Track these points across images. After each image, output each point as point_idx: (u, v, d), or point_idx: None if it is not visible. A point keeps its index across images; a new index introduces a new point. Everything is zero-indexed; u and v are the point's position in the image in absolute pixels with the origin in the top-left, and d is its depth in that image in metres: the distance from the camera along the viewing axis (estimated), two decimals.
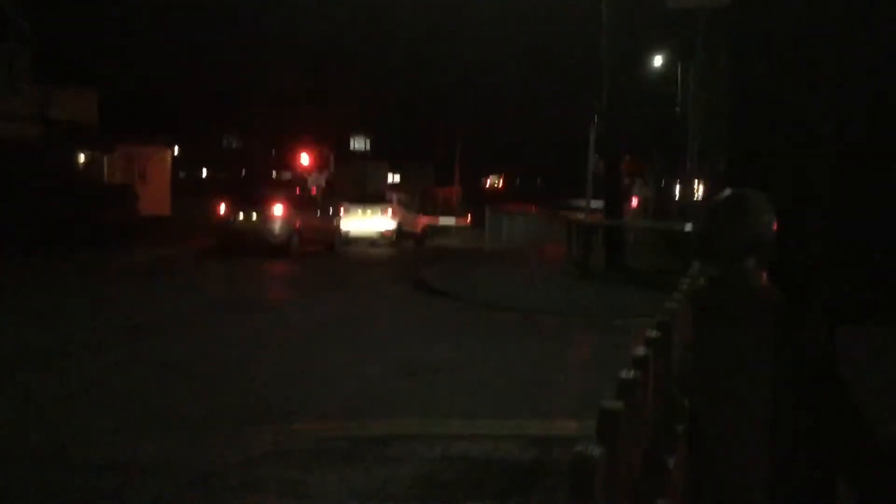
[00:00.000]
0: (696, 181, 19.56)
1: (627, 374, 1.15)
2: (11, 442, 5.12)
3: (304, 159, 35.50)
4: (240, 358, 7.97)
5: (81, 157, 21.46)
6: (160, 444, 5.18)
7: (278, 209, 19.91)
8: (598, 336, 10.16)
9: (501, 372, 7.76)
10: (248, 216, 19.80)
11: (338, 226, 23.56)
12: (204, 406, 6.05)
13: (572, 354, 9.07)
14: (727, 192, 1.92)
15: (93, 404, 6.01)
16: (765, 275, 1.87)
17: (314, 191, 28.46)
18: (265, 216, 19.73)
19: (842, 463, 2.30)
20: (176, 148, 35.76)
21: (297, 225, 20.28)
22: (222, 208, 20.21)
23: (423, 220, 31.04)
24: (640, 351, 1.31)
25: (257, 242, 19.42)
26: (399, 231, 27.31)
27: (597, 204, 22.38)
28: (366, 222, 25.75)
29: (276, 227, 19.69)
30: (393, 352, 8.50)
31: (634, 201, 42.43)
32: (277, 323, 10.53)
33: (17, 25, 25.79)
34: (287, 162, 46.04)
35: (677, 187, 31.52)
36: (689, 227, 16.02)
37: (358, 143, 63.48)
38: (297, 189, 26.14)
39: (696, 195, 20.20)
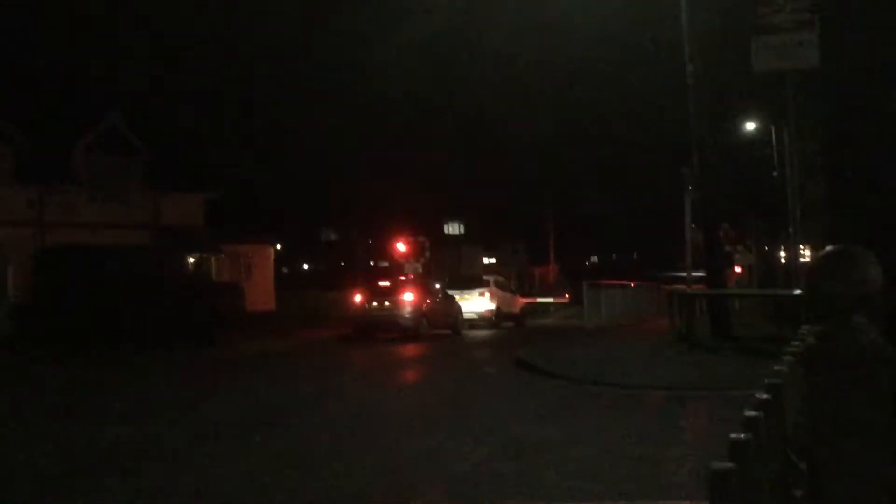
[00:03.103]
0: (802, 245, 18.93)
1: (738, 435, 1.13)
2: None
3: (401, 247, 36.29)
4: (348, 443, 8.04)
5: (191, 259, 22.57)
6: None
7: (409, 296, 22.03)
8: (709, 409, 9.80)
9: (609, 450, 7.55)
10: (381, 303, 21.95)
11: (459, 309, 24.68)
12: (315, 496, 6.09)
13: (682, 430, 8.77)
14: (830, 247, 1.87)
15: (204, 497, 6.13)
16: (876, 330, 1.81)
17: (411, 277, 29.02)
18: (397, 302, 21.81)
19: None
20: (278, 244, 37.09)
21: (425, 309, 22.11)
22: (357, 297, 22.63)
23: (521, 301, 30.99)
24: (751, 412, 1.28)
25: (391, 326, 21.55)
26: (498, 312, 27.32)
27: (698, 274, 21.88)
28: (465, 305, 25.92)
29: (408, 312, 21.67)
30: (498, 433, 8.41)
31: (738, 269, 41.24)
32: (384, 406, 10.60)
33: (128, 137, 27.67)
34: (384, 250, 47.05)
35: (782, 252, 30.51)
36: (797, 291, 15.43)
37: (452, 228, 64.41)
38: (409, 276, 27.54)
39: (801, 259, 19.54)
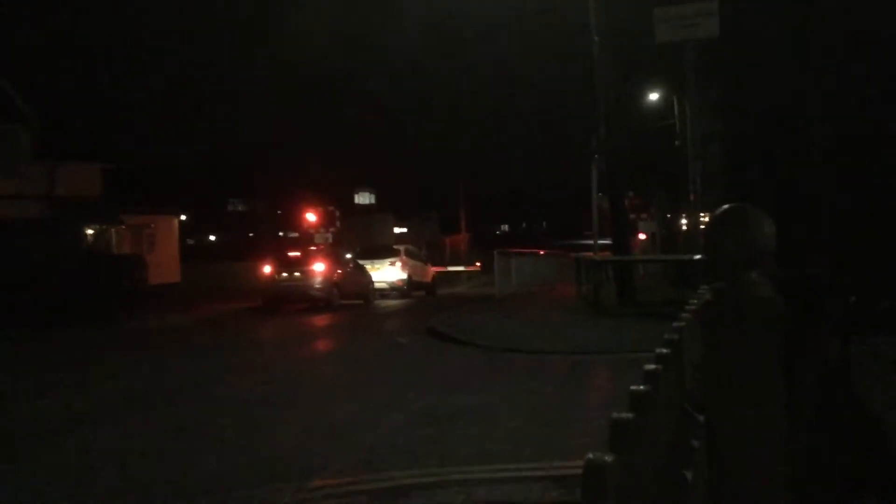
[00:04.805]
0: (701, 213, 19.62)
1: (637, 387, 1.15)
2: None
3: (310, 217, 35.83)
4: (258, 416, 7.94)
5: (89, 231, 21.65)
6: None
7: (319, 266, 21.75)
8: (614, 372, 10.09)
9: (520, 414, 7.69)
10: (291, 274, 21.59)
11: (370, 279, 24.64)
12: (224, 467, 6.01)
13: (589, 392, 9.00)
14: (725, 206, 1.93)
15: (112, 472, 5.97)
16: (770, 287, 1.87)
17: (321, 247, 28.73)
18: (308, 273, 21.54)
19: (865, 477, 2.26)
20: (182, 215, 36.06)
21: (336, 279, 21.93)
22: (267, 268, 22.04)
23: (433, 270, 31.11)
24: (650, 366, 1.31)
25: (301, 297, 21.40)
26: (409, 281, 27.36)
27: (604, 241, 22.41)
28: (377, 274, 25.86)
29: (318, 282, 21.44)
30: (410, 400, 8.45)
31: (642, 236, 42.41)
32: (294, 378, 10.50)
33: (18, 105, 26.26)
34: (293, 221, 46.43)
35: (683, 220, 31.54)
36: (697, 257, 15.98)
37: (362, 198, 63.95)
38: (319, 246, 27.28)
39: (701, 226, 20.22)
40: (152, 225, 30.72)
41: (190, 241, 48.01)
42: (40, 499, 5.40)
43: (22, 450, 6.70)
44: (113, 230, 22.55)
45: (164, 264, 29.70)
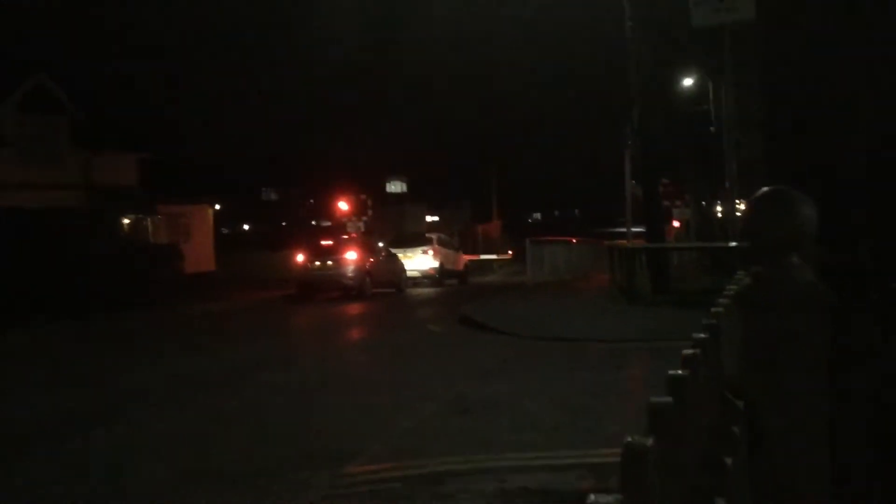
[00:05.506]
0: (738, 200, 19.32)
1: (676, 372, 1.13)
2: (73, 492, 5.18)
3: (343, 206, 36.01)
4: (292, 404, 8.01)
5: (125, 220, 21.96)
6: (217, 493, 5.20)
7: (352, 254, 21.92)
8: (649, 360, 10.01)
9: (554, 402, 7.66)
10: (324, 263, 21.80)
11: (402, 267, 24.72)
12: (259, 454, 6.07)
13: (624, 380, 8.95)
14: (765, 188, 1.88)
15: (149, 456, 6.06)
16: (810, 270, 1.83)
17: (354, 235, 28.89)
18: (340, 261, 21.75)
19: None
20: (217, 205, 36.44)
21: (368, 267, 22.07)
22: (300, 257, 22.31)
23: (465, 258, 31.12)
24: (688, 351, 1.29)
25: (334, 285, 21.67)
26: (441, 270, 27.40)
27: (638, 229, 22.24)
28: (409, 263, 25.93)
29: (351, 270, 21.64)
30: (444, 389, 8.46)
31: (676, 224, 41.97)
32: (328, 366, 10.57)
33: (58, 96, 26.68)
34: (325, 209, 46.68)
35: (719, 207, 31.15)
36: (733, 244, 15.77)
37: (394, 186, 64.08)
38: (352, 235, 27.53)
39: (737, 213, 19.93)
40: (187, 214, 31.07)
41: (224, 231, 48.54)
42: (83, 475, 5.50)
43: (57, 435, 6.83)
44: (149, 220, 22.82)
45: (200, 253, 30.06)
